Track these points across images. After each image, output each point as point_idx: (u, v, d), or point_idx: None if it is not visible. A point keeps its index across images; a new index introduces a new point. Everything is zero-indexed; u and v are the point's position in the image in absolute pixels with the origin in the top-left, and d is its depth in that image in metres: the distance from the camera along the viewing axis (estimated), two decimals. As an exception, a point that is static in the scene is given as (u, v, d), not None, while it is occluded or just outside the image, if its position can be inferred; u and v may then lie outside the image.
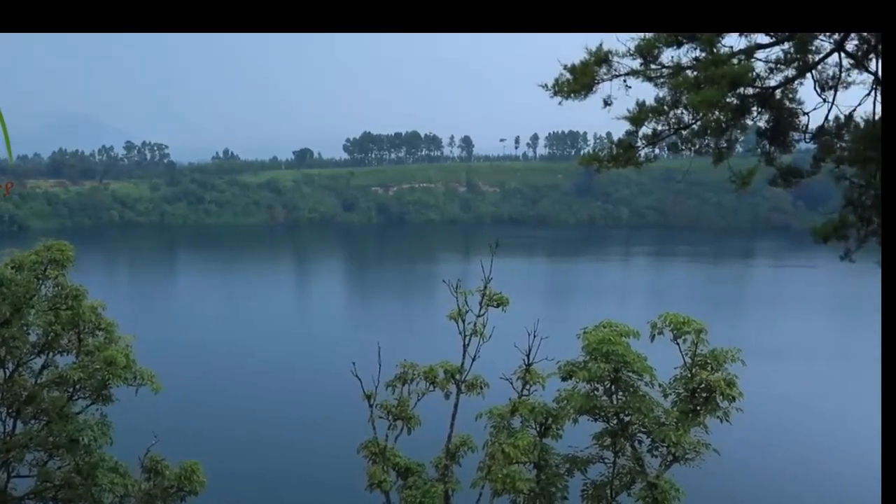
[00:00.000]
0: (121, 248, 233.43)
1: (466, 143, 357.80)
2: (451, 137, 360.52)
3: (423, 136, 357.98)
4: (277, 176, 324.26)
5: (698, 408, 25.16)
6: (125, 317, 31.49)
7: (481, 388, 26.83)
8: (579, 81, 7.90)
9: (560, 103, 8.19)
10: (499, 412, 26.40)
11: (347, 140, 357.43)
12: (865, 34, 7.60)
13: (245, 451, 62.48)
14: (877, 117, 7.96)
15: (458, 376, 26.63)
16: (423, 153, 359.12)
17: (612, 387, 26.29)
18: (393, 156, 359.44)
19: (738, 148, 9.62)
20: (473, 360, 26.70)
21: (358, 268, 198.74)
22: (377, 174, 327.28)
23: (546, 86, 8.05)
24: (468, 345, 26.64)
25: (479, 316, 26.77)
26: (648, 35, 7.78)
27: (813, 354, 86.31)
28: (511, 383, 27.10)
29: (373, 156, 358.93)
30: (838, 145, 8.48)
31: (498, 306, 26.81)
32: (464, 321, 26.66)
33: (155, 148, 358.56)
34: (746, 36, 7.69)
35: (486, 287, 26.82)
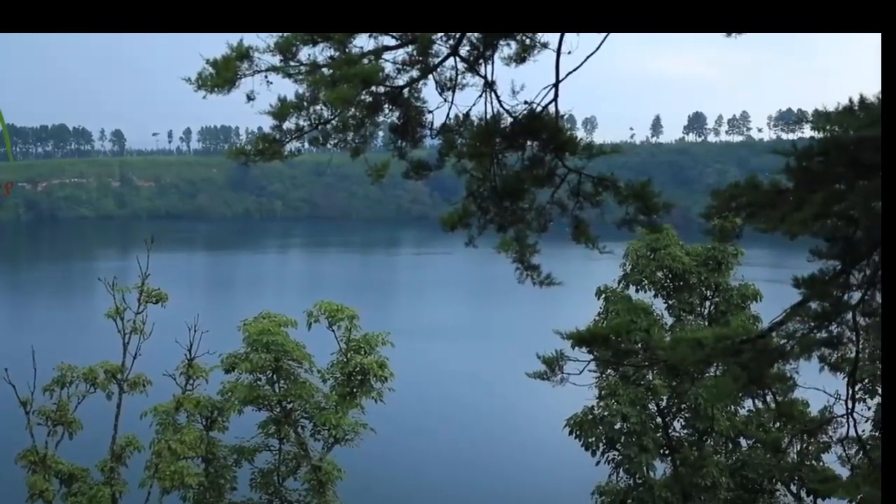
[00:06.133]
0: None
1: (118, 136, 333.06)
2: (102, 131, 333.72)
3: (71, 129, 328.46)
4: None
5: (355, 390, 25.96)
6: None
7: (144, 386, 25.40)
8: (222, 76, 7.62)
9: (204, 97, 7.87)
10: (163, 409, 25.25)
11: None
12: (475, 41, 8.22)
13: None
14: (488, 116, 8.68)
15: (119, 376, 25.00)
16: (73, 147, 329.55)
17: (274, 376, 26.32)
18: (40, 150, 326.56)
19: (378, 143, 9.88)
20: (135, 358, 25.18)
21: (8, 268, 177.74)
22: (24, 169, 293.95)
23: (190, 80, 7.70)
24: (128, 343, 25.11)
25: (137, 313, 25.32)
26: (286, 33, 7.80)
27: (457, 331, 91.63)
28: (174, 379, 26.06)
29: (17, 150, 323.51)
30: (459, 141, 9.07)
31: (157, 302, 25.66)
32: (122, 319, 25.09)
33: None
34: (375, 37, 7.97)
35: (143, 283, 25.49)
